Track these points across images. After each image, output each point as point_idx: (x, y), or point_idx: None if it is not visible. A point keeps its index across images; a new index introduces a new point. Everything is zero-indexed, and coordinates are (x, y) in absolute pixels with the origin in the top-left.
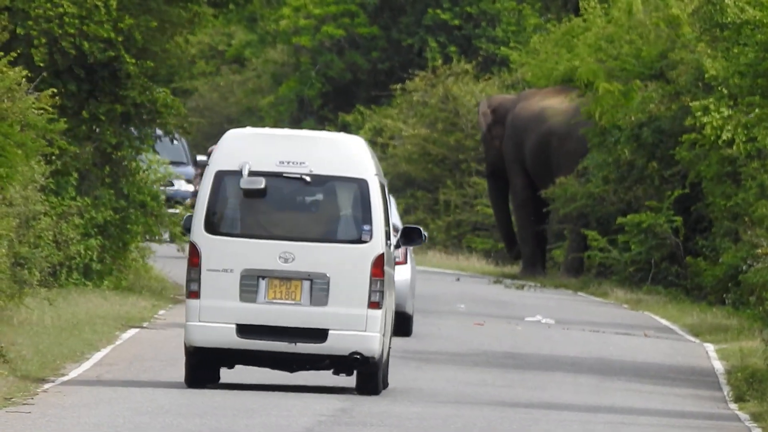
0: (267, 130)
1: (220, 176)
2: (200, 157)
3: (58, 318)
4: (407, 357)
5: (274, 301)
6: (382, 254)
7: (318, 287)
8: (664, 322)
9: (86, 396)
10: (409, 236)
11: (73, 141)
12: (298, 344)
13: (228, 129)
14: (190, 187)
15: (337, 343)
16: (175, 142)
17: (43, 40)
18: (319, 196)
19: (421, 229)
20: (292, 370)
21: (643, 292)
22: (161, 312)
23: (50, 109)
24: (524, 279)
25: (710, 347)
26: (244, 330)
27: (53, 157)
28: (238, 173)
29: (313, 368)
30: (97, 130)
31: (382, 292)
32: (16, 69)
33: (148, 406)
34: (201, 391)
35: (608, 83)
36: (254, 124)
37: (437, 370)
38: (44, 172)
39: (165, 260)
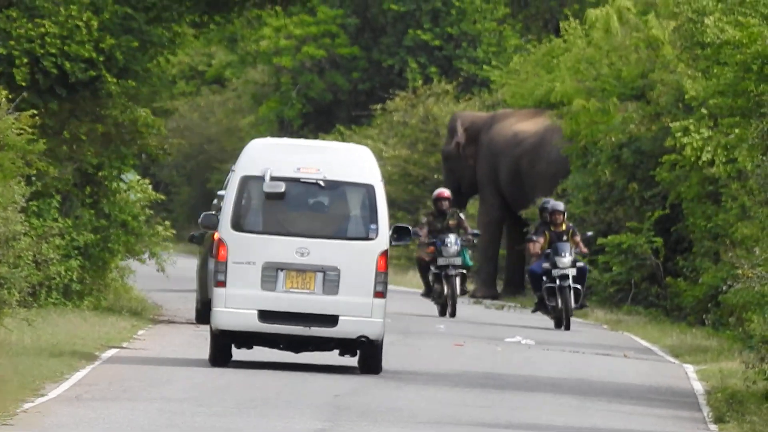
0: (286, 141)
1: (245, 181)
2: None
3: (37, 338)
4: (387, 377)
5: (291, 290)
6: (387, 250)
7: (330, 278)
8: (644, 342)
9: (66, 416)
10: (400, 234)
11: (54, 161)
12: (312, 328)
13: (208, 149)
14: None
15: (347, 327)
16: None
17: (25, 60)
18: (332, 199)
19: (410, 227)
20: (297, 351)
21: (623, 313)
22: (141, 332)
23: (30, 129)
24: (504, 299)
25: (690, 368)
26: (264, 315)
27: (34, 178)
28: (260, 178)
29: (319, 350)
30: (75, 148)
31: (386, 283)
32: None
33: (127, 427)
34: (180, 410)
35: (585, 100)
36: (234, 145)
37: (417, 390)
38: (25, 193)
39: (145, 280)
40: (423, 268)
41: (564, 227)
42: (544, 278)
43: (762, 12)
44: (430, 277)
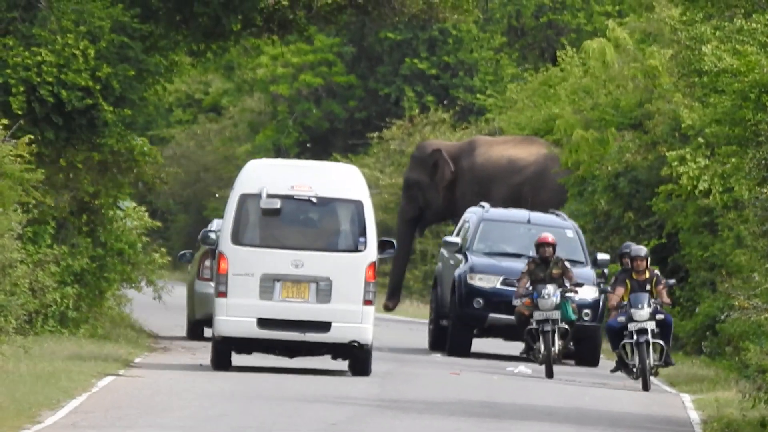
0: (281, 161)
1: (243, 198)
2: (601, 256)
3: (34, 366)
4: (383, 406)
5: (287, 299)
6: (374, 261)
7: (323, 288)
8: None
9: None
10: (383, 247)
11: (51, 189)
12: (306, 334)
13: (205, 177)
14: (591, 293)
15: (338, 333)
16: (569, 233)
17: (21, 88)
18: (323, 214)
19: (394, 241)
20: (291, 356)
21: None
22: (137, 360)
23: (28, 156)
24: None
25: (686, 397)
26: (263, 323)
27: (30, 206)
28: (257, 196)
29: (311, 354)
30: (72, 176)
31: (374, 292)
32: None
33: None
34: None
35: (584, 130)
36: (231, 173)
37: (413, 419)
38: (21, 220)
39: (141, 308)
40: (522, 322)
41: (647, 275)
42: (624, 333)
43: (760, 40)
44: (528, 333)
